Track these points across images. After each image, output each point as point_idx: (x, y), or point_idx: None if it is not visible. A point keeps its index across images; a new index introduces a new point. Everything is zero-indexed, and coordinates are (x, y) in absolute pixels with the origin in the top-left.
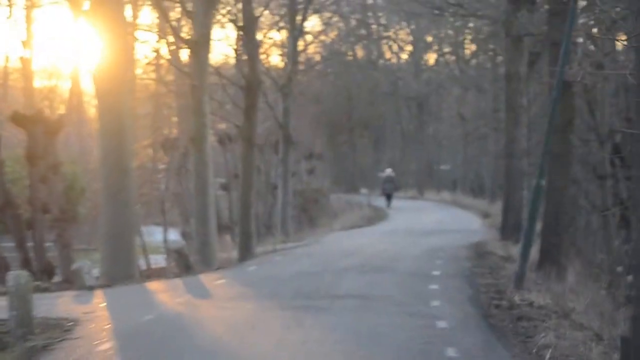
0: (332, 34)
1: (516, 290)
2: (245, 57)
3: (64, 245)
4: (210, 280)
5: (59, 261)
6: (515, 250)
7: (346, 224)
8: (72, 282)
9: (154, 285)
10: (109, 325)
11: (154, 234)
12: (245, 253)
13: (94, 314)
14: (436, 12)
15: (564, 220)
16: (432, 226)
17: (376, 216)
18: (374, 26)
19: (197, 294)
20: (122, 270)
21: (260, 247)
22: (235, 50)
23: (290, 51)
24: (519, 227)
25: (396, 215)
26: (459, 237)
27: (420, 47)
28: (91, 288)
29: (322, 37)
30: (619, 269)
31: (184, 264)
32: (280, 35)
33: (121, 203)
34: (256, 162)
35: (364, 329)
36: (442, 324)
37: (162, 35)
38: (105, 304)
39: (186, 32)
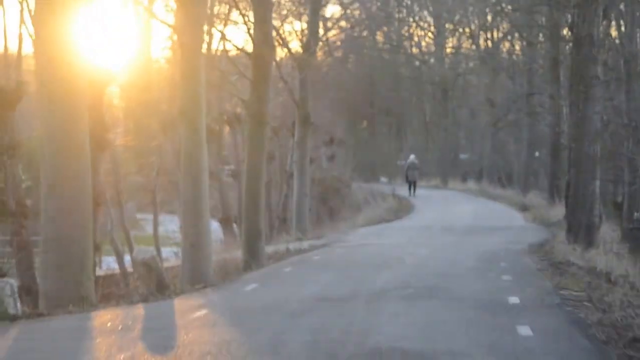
0: (355, 12)
1: None
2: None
3: (22, 247)
4: (187, 309)
5: (16, 267)
6: (599, 259)
7: (371, 218)
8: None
9: (102, 318)
10: None
11: (163, 223)
12: (251, 257)
13: None
14: None
15: None
16: (469, 221)
17: (402, 208)
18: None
19: (155, 342)
20: (69, 290)
21: (272, 245)
22: (242, 13)
23: (310, 19)
24: (591, 227)
25: (423, 207)
26: (509, 236)
27: (444, 30)
28: (14, 318)
29: (342, 23)
30: None
31: (155, 281)
32: (300, 24)
33: (69, 194)
34: (268, 146)
35: None
36: None
37: None
38: None
39: None
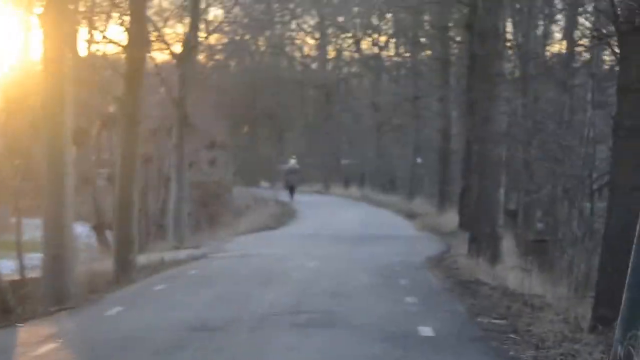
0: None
1: None
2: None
3: None
4: (32, 342)
5: None
6: (508, 276)
7: (254, 225)
8: None
9: None
10: None
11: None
12: (122, 270)
13: None
14: None
15: None
16: (357, 229)
17: (285, 214)
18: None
19: None
20: None
21: (147, 254)
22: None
23: (192, 13)
24: (495, 239)
25: (307, 213)
26: (402, 246)
27: (327, 33)
28: None
29: (225, 27)
30: None
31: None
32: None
33: None
34: (146, 148)
35: None
36: None
37: None
38: None
39: None
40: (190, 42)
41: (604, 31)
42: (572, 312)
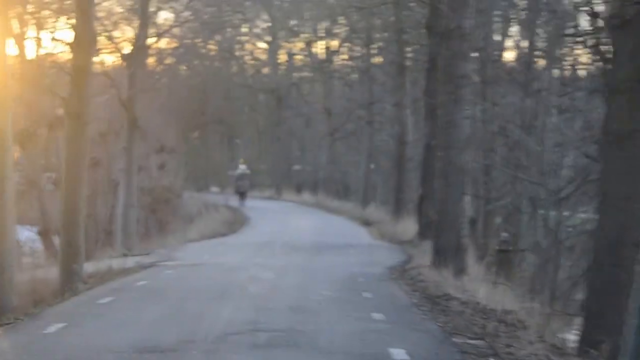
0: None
1: None
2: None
3: None
4: None
5: None
6: (477, 290)
7: (205, 231)
8: None
9: None
10: None
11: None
12: (67, 279)
13: None
14: None
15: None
16: (312, 237)
17: (237, 220)
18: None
19: None
20: None
21: (94, 262)
22: None
23: (141, 15)
24: (460, 250)
25: (259, 219)
26: (361, 255)
27: (278, 37)
28: None
29: (175, 31)
30: None
31: None
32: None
33: None
34: (95, 152)
35: None
36: None
37: None
38: None
39: None
40: (139, 42)
41: (585, 29)
42: (550, 331)
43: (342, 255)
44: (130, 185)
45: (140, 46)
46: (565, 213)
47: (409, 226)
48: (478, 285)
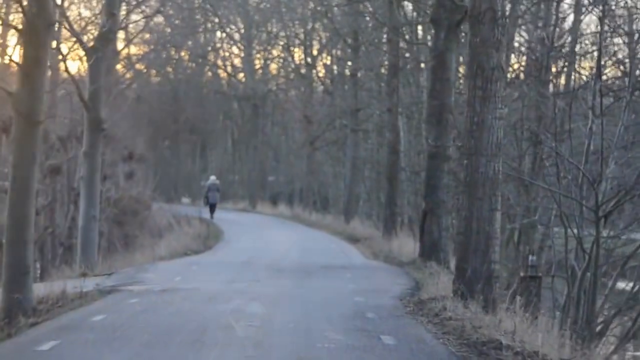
0: (158, 24)
1: None
2: None
3: None
4: None
5: None
6: (527, 334)
7: (176, 248)
8: None
9: None
10: None
11: None
12: (11, 308)
13: None
14: None
15: None
16: (298, 256)
17: (211, 235)
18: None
19: None
20: None
21: (49, 283)
22: None
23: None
24: (490, 279)
25: (236, 234)
26: (359, 280)
27: (253, 42)
28: None
29: (146, 36)
30: None
31: None
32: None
33: None
34: (52, 158)
35: None
36: None
37: None
38: None
39: None
40: (103, 31)
41: None
42: None
43: (335, 279)
44: (93, 195)
45: (104, 35)
46: (605, 232)
47: (404, 244)
48: (522, 325)
